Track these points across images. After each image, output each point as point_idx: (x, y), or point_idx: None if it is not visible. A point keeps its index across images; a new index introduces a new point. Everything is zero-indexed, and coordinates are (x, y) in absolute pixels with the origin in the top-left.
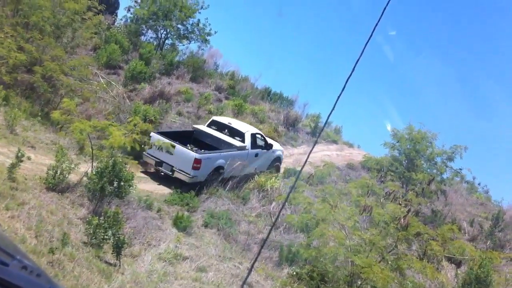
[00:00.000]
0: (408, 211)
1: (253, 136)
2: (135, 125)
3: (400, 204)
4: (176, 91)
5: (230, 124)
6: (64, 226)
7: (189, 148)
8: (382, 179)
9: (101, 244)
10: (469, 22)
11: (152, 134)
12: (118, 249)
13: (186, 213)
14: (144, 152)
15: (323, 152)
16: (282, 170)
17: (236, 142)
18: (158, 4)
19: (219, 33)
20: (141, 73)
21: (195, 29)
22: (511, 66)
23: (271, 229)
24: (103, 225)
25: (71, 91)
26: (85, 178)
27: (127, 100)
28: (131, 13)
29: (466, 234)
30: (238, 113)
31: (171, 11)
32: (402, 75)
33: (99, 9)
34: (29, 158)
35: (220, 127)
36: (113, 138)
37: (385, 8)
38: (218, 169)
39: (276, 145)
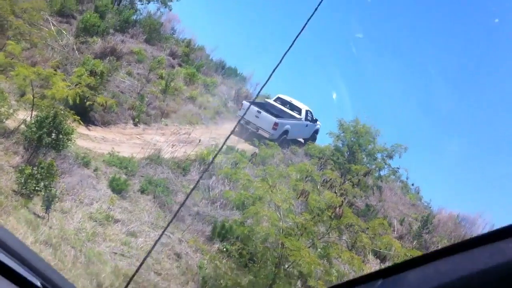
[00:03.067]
0: (343, 201)
1: (306, 112)
2: (79, 76)
3: (336, 193)
4: (129, 51)
5: (291, 101)
6: None
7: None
8: (322, 167)
9: (31, 195)
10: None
11: (244, 102)
12: (48, 202)
13: (123, 176)
14: (236, 114)
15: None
16: (224, 147)
17: (295, 114)
18: None
19: None
20: (95, 26)
21: None
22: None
23: (185, 199)
24: (36, 176)
25: (19, 34)
26: (23, 126)
27: (77, 52)
28: None
29: (395, 232)
30: (189, 82)
31: None
32: (361, 69)
33: None
34: None
35: (284, 102)
36: (55, 89)
37: None
38: (285, 132)
39: (319, 122)
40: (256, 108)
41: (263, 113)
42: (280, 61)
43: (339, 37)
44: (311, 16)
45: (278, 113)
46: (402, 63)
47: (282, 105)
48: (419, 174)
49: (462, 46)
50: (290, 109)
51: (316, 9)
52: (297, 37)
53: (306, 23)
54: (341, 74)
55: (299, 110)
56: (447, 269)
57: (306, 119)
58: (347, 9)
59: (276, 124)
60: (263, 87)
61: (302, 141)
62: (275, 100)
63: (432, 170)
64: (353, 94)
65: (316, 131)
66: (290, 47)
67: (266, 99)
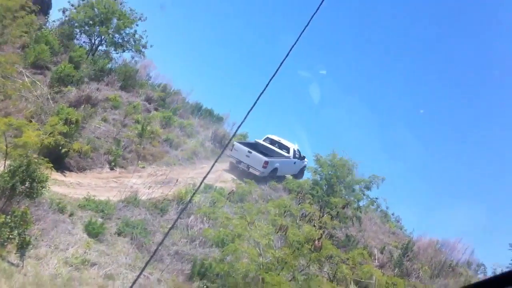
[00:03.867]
0: (323, 233)
1: (294, 150)
2: (53, 125)
3: (315, 226)
4: (104, 98)
5: (280, 140)
6: None
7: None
8: (301, 201)
9: (5, 243)
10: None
11: (234, 142)
12: (22, 249)
13: (100, 220)
14: (228, 154)
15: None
16: (202, 186)
17: (284, 153)
18: (96, 11)
19: (155, 45)
20: (69, 76)
21: (131, 39)
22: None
23: (164, 238)
24: (9, 224)
25: None
26: None
27: (51, 102)
28: (65, 16)
29: (376, 261)
30: (166, 125)
31: (109, 19)
32: (328, 110)
33: (33, 9)
34: None
35: (272, 142)
36: (26, 137)
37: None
38: (275, 170)
39: (306, 159)
40: (247, 148)
41: (254, 153)
42: (254, 103)
43: (304, 76)
44: (282, 61)
45: (267, 152)
46: (364, 103)
47: (271, 144)
48: (398, 203)
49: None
50: (279, 148)
51: (288, 53)
52: (270, 80)
53: (279, 67)
54: (312, 110)
55: (287, 149)
56: None
57: (294, 156)
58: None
59: (266, 162)
60: (239, 127)
61: (291, 177)
62: (264, 140)
63: (411, 198)
64: (325, 129)
65: (304, 168)
66: (264, 90)
67: (256, 140)
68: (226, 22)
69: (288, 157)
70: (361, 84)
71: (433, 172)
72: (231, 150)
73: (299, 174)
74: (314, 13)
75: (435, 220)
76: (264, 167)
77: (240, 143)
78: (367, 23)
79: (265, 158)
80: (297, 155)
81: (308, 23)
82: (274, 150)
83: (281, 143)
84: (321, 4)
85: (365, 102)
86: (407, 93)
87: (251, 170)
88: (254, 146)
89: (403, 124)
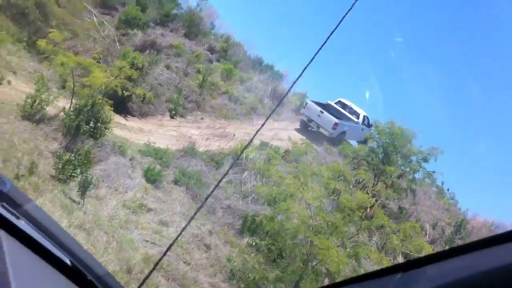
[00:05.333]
0: (375, 202)
1: (364, 117)
2: (120, 69)
3: (368, 194)
4: (168, 44)
5: (351, 105)
6: (34, 156)
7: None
8: (356, 167)
9: (68, 180)
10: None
11: (308, 101)
12: (84, 188)
13: (158, 167)
14: (301, 111)
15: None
16: (259, 143)
17: (354, 118)
18: None
19: None
20: (136, 18)
21: None
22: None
23: (214, 188)
24: (73, 162)
25: (62, 23)
26: (62, 113)
27: (117, 44)
28: None
29: (427, 236)
30: (226, 77)
31: None
32: (396, 72)
33: None
34: (9, 83)
35: (344, 106)
36: (94, 78)
37: None
38: (343, 133)
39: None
40: (319, 108)
41: (325, 113)
42: (312, 59)
43: (377, 39)
44: (345, 15)
45: (338, 115)
46: (437, 69)
47: (342, 108)
48: (454, 179)
49: (495, 51)
50: (349, 113)
51: (350, 9)
52: (329, 36)
53: (340, 22)
54: (376, 75)
55: (357, 115)
56: (466, 265)
57: (362, 123)
58: (386, 11)
59: (336, 124)
60: (294, 83)
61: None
62: (336, 103)
63: (468, 176)
64: (386, 96)
65: None
66: (322, 45)
67: (328, 101)
68: None
69: (357, 123)
70: (434, 52)
71: (501, 153)
72: (304, 108)
73: (365, 141)
74: None
75: (493, 201)
76: (333, 128)
77: (313, 102)
78: None
79: (336, 120)
80: (365, 122)
81: None
82: (344, 114)
83: (352, 109)
84: None
85: (440, 72)
86: (482, 66)
87: (320, 129)
88: (326, 107)
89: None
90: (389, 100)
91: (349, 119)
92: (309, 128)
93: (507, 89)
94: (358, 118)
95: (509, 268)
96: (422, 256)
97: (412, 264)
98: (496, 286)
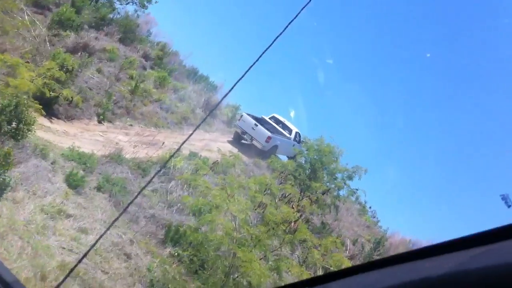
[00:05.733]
0: (300, 217)
1: (296, 133)
2: (49, 69)
3: (293, 208)
4: (102, 48)
5: (284, 121)
6: None
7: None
8: (283, 182)
9: None
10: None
11: (243, 113)
12: (0, 190)
13: (81, 172)
14: (235, 123)
15: (227, 145)
16: (188, 153)
17: (286, 133)
18: None
19: (159, 1)
20: (70, 20)
21: None
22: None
23: (137, 195)
24: None
25: None
26: None
27: (48, 44)
28: None
29: (347, 251)
30: (159, 85)
31: None
32: (323, 92)
33: None
34: None
35: (277, 121)
36: (20, 77)
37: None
38: (275, 147)
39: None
40: (254, 121)
41: (259, 127)
42: (245, 73)
43: (309, 59)
44: (280, 33)
45: (271, 129)
46: (364, 91)
47: (275, 123)
48: (377, 198)
49: (414, 76)
50: (282, 128)
51: (286, 27)
52: (263, 52)
53: (274, 40)
54: (306, 93)
55: (290, 131)
56: (367, 283)
57: (294, 139)
58: (319, 32)
59: (269, 137)
60: (225, 95)
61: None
62: (270, 118)
63: (390, 195)
64: (314, 114)
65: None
66: (256, 61)
67: (262, 116)
68: None
69: (289, 138)
70: (362, 74)
71: (420, 175)
72: (238, 120)
73: (295, 157)
74: None
75: (412, 220)
76: (266, 141)
77: (248, 115)
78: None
79: (269, 133)
80: (297, 138)
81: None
82: (277, 129)
83: (285, 124)
84: None
85: (366, 94)
86: (407, 91)
87: (254, 142)
88: (260, 121)
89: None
90: (317, 118)
91: (281, 134)
92: (243, 141)
93: (427, 111)
94: (290, 134)
95: (406, 286)
96: (329, 272)
97: (318, 280)
98: None
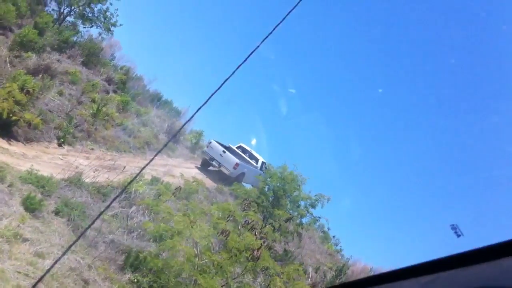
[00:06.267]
0: (262, 244)
1: (262, 162)
2: (9, 92)
3: (256, 236)
4: (64, 71)
5: (251, 151)
6: None
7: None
8: (246, 208)
9: None
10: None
11: (211, 140)
12: None
13: (39, 195)
14: (203, 150)
15: (197, 171)
16: (150, 178)
17: (253, 162)
18: None
19: (124, 26)
20: (32, 42)
21: (101, 16)
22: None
23: (96, 218)
24: None
25: None
26: None
27: (9, 65)
28: None
29: (309, 279)
30: (122, 110)
31: None
32: (285, 121)
33: None
34: None
35: (244, 151)
36: None
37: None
38: (243, 174)
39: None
40: (222, 148)
41: (227, 153)
42: (208, 99)
43: (269, 87)
44: (243, 62)
45: (239, 157)
46: (327, 120)
47: (242, 152)
48: (339, 225)
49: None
50: (249, 157)
51: (249, 55)
52: (226, 80)
53: (237, 68)
54: (267, 121)
55: (256, 160)
56: None
57: (261, 168)
58: (281, 61)
59: (237, 164)
60: (188, 120)
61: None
62: (237, 147)
63: (351, 223)
64: (277, 142)
65: None
66: (218, 88)
67: (230, 145)
68: (203, 15)
69: (256, 167)
70: (323, 104)
71: (382, 202)
72: (207, 147)
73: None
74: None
75: (374, 248)
76: (234, 168)
77: (216, 142)
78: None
79: (237, 160)
80: (263, 168)
81: (279, 23)
82: (244, 158)
83: (252, 154)
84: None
85: (326, 123)
86: (364, 121)
87: (222, 168)
88: (228, 149)
89: (359, 149)
90: (279, 146)
91: (248, 162)
92: (210, 167)
93: (385, 140)
94: (257, 163)
95: None
96: None
97: None
98: None
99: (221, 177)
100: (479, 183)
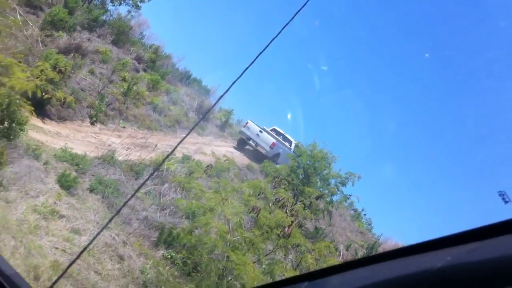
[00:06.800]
0: (293, 221)
1: (295, 145)
2: (42, 71)
3: (287, 213)
4: (94, 50)
5: (284, 134)
6: None
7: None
8: (276, 186)
9: None
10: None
11: (248, 121)
12: None
13: (74, 173)
14: (240, 129)
15: (227, 149)
16: (181, 156)
17: (287, 144)
18: None
19: (152, 2)
20: (62, 21)
21: None
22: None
23: (131, 196)
24: None
25: None
26: None
27: (41, 45)
28: None
29: (341, 256)
30: (152, 88)
31: None
32: (319, 98)
33: None
34: None
35: (278, 133)
36: (15, 80)
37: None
38: (278, 154)
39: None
40: (259, 128)
41: (264, 133)
42: (239, 77)
43: (304, 65)
44: (274, 37)
45: (275, 138)
46: (358, 98)
47: (276, 135)
48: (370, 203)
49: (410, 83)
50: (282, 140)
51: (280, 32)
52: (257, 56)
53: (268, 44)
54: (300, 99)
55: (290, 142)
56: (367, 275)
57: (293, 150)
58: (314, 39)
59: (274, 143)
60: (220, 98)
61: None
62: (271, 130)
63: (384, 201)
64: (308, 120)
65: None
66: (250, 65)
67: (264, 127)
68: None
69: (290, 149)
70: (356, 80)
71: (414, 179)
72: (244, 127)
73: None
74: None
75: (407, 226)
76: (271, 147)
77: (253, 122)
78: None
79: (274, 140)
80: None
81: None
82: (279, 139)
83: (285, 136)
84: None
85: (359, 100)
86: (401, 98)
87: (258, 148)
88: (264, 129)
89: (391, 128)
90: (311, 124)
91: (283, 144)
92: (247, 147)
93: (422, 117)
94: (290, 145)
95: (403, 280)
96: (327, 266)
97: (319, 274)
98: None
99: (256, 157)
100: None
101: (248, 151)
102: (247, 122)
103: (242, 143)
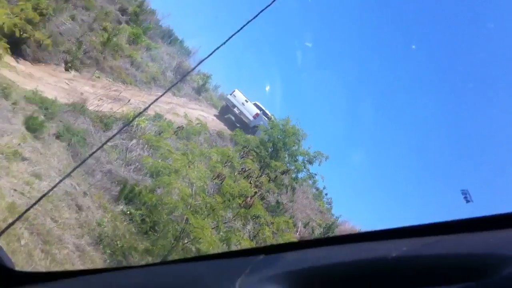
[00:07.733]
0: (256, 192)
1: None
2: (22, 10)
3: (251, 184)
4: None
5: (265, 109)
6: None
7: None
8: (244, 156)
9: None
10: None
11: (235, 89)
12: None
13: (42, 117)
14: (227, 96)
15: (201, 113)
16: (153, 114)
17: (266, 120)
18: None
19: None
20: None
21: None
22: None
23: (97, 149)
24: None
25: None
26: None
27: None
28: None
29: (298, 233)
30: (132, 42)
31: None
32: (299, 73)
33: None
34: None
35: (258, 108)
36: None
37: None
38: (257, 126)
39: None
40: (245, 98)
41: (250, 103)
42: (224, 43)
43: (288, 39)
44: (264, 9)
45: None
46: (337, 79)
47: (257, 109)
48: (334, 185)
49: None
50: (263, 115)
51: (269, 5)
52: (244, 26)
53: (257, 15)
54: (280, 72)
55: (269, 118)
56: (322, 256)
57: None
58: (303, 15)
59: (257, 114)
60: (200, 62)
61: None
62: (253, 104)
63: (346, 183)
64: (285, 94)
65: None
66: (235, 33)
67: (256, 101)
68: None
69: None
70: (340, 64)
71: (382, 170)
72: (230, 95)
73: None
74: None
75: (365, 212)
76: (254, 117)
77: (240, 91)
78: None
79: (258, 111)
80: None
81: None
82: (259, 113)
83: (265, 112)
84: None
85: (338, 82)
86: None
87: (242, 116)
88: (248, 100)
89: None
90: (288, 99)
91: (264, 118)
92: (227, 115)
93: (399, 108)
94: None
95: (357, 264)
96: (285, 242)
97: (275, 248)
98: (344, 277)
99: (231, 125)
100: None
101: (227, 120)
102: (234, 90)
103: (225, 110)
